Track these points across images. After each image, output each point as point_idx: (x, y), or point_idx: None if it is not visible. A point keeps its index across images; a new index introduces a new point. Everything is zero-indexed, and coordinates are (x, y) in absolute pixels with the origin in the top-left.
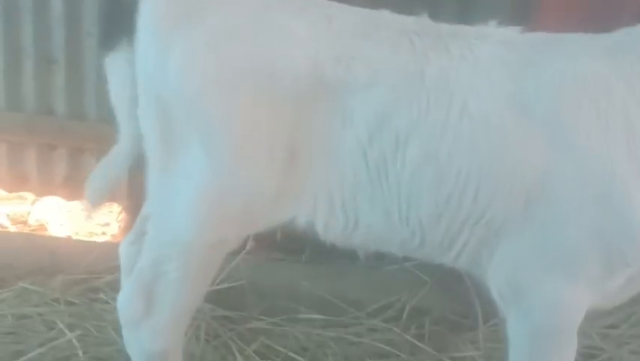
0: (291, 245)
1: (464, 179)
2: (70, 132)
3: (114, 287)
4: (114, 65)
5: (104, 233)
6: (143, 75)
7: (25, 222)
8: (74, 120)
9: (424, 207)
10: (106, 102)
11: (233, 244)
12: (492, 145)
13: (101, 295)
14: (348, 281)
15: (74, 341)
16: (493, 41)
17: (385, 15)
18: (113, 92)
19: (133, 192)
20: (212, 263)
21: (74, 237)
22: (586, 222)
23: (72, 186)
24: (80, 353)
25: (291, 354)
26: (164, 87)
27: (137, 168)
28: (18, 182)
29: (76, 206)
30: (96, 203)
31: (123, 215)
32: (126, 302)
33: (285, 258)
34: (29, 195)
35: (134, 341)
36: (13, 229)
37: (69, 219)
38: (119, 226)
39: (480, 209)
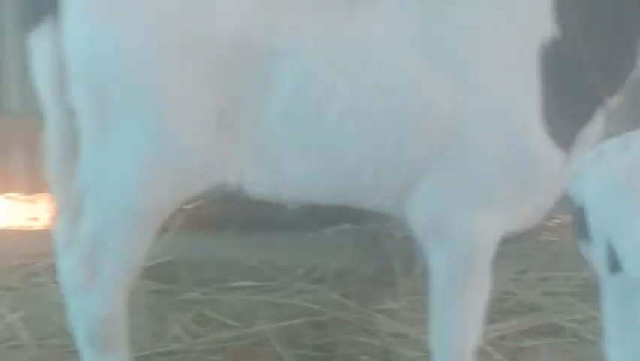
0: (215, 221)
1: (384, 127)
2: None
3: (51, 270)
4: (38, 43)
5: (32, 227)
6: (74, 54)
7: None
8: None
9: (348, 156)
10: (31, 96)
11: (171, 208)
12: (405, 93)
13: (40, 279)
14: (273, 249)
15: (18, 322)
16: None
17: None
18: (37, 72)
19: None
20: (152, 228)
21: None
22: (493, 154)
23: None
24: (24, 333)
25: (225, 320)
26: (96, 65)
27: None
28: None
29: (3, 201)
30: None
31: (52, 205)
32: (70, 272)
33: (212, 233)
34: None
35: (80, 309)
36: None
37: None
38: (50, 216)
39: (401, 153)
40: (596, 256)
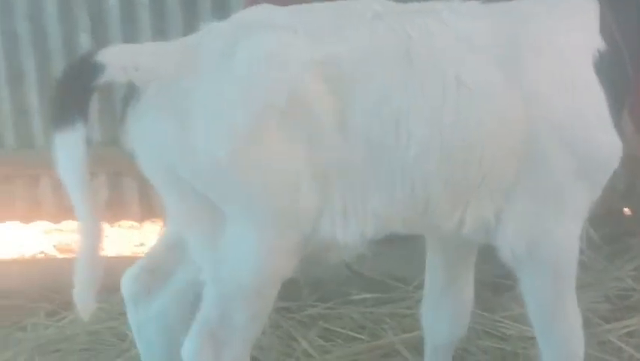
0: None
1: (469, 147)
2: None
3: None
4: (65, 144)
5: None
6: (159, 155)
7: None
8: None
9: (430, 178)
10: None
11: (289, 273)
12: (490, 111)
13: None
14: (389, 261)
15: None
16: (464, 14)
17: (348, 4)
18: (65, 172)
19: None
20: (272, 297)
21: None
22: (567, 165)
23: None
24: None
25: (351, 333)
26: (188, 161)
27: None
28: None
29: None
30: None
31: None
32: (195, 352)
33: None
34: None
35: None
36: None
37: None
38: None
39: (483, 172)
40: None
